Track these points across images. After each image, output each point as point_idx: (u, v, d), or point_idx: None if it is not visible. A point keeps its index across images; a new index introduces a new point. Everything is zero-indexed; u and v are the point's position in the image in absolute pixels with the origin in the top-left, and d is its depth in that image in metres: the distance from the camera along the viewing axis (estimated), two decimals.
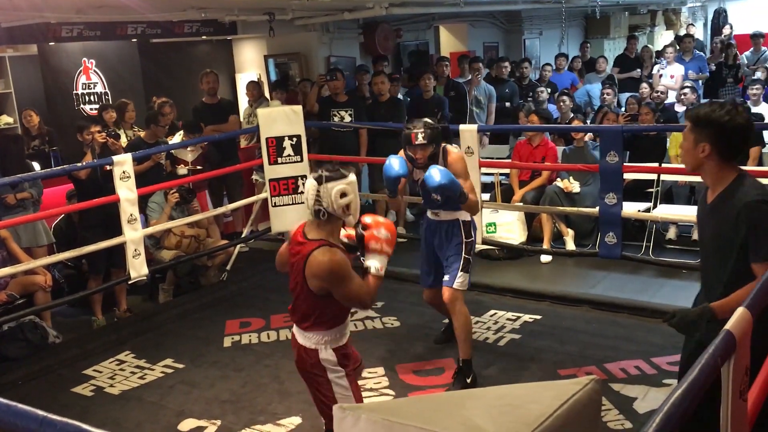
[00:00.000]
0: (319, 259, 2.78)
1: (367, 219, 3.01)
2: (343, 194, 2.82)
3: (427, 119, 4.07)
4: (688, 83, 8.64)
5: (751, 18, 12.91)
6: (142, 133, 6.60)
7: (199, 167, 6.45)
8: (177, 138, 6.82)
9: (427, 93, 7.51)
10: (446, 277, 4.15)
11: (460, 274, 4.11)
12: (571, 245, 6.32)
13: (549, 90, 9.01)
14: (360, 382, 4.25)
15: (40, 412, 1.46)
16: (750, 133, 2.64)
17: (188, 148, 6.42)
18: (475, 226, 4.28)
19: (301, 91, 7.85)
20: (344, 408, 1.26)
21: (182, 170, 6.24)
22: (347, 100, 7.12)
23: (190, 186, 6.10)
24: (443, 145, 4.10)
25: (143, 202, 5.81)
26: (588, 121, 8.10)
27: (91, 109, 8.36)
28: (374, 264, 2.93)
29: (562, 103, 7.93)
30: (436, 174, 3.84)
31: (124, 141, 6.40)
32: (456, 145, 4.23)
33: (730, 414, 1.87)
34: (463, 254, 4.12)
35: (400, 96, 7.83)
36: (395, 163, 4.02)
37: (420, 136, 3.97)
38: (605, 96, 8.47)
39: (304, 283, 2.87)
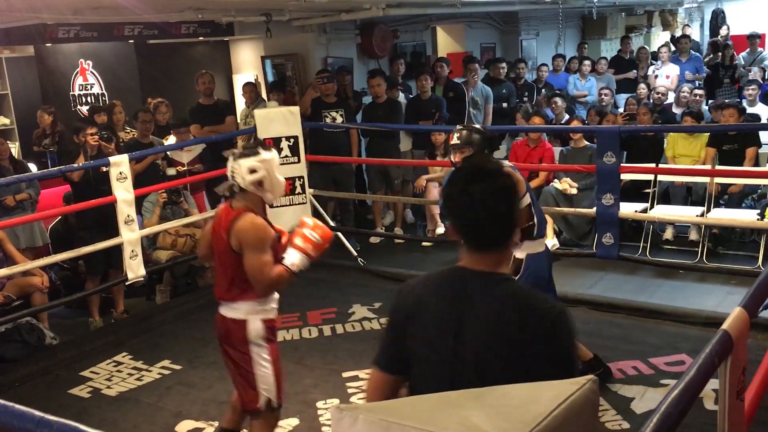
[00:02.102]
0: (242, 220, 2.90)
1: (307, 220, 3.07)
2: (252, 170, 2.92)
3: (473, 124, 3.95)
4: (687, 85, 8.66)
5: (749, 19, 12.93)
6: (135, 134, 6.63)
7: (195, 166, 6.45)
8: (172, 139, 6.81)
9: (425, 94, 7.51)
10: None
11: None
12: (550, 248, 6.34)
13: (544, 90, 9.03)
14: (357, 384, 4.27)
15: (37, 413, 1.46)
16: None
17: (183, 149, 6.41)
18: (536, 265, 3.72)
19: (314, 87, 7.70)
20: (342, 408, 1.26)
21: (171, 171, 6.25)
22: (337, 101, 7.14)
23: (179, 187, 6.10)
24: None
25: (140, 203, 5.81)
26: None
27: (87, 110, 8.35)
28: (291, 258, 2.93)
29: (554, 105, 7.95)
30: None
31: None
32: (507, 164, 3.72)
33: (728, 414, 1.87)
34: None
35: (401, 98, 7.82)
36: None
37: (455, 136, 3.83)
38: (603, 97, 8.49)
39: (229, 248, 2.94)
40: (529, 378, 1.50)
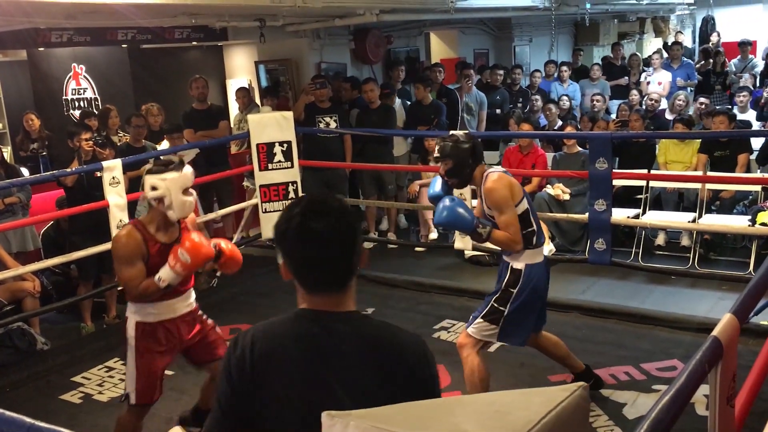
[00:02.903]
0: (116, 234, 3.25)
1: (191, 237, 3.14)
2: (153, 187, 3.10)
3: (455, 132, 3.79)
4: (683, 93, 8.70)
5: (739, 26, 13.02)
6: (128, 138, 6.62)
7: None
8: (165, 144, 6.80)
9: (425, 99, 7.52)
10: (470, 318, 3.74)
11: (479, 320, 3.62)
12: (546, 253, 6.34)
13: (538, 97, 9.06)
14: None
15: (28, 419, 1.45)
16: None
17: (176, 154, 6.40)
18: (536, 277, 3.58)
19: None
20: (333, 414, 1.26)
21: None
22: (330, 107, 7.15)
23: None
24: (487, 169, 3.59)
25: (133, 207, 5.79)
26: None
27: (80, 114, 8.34)
28: (161, 273, 3.10)
29: (548, 111, 7.98)
30: (440, 207, 3.50)
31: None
32: (498, 169, 3.62)
33: (718, 420, 1.88)
34: (493, 302, 3.61)
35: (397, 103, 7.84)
36: (435, 184, 3.75)
37: (437, 148, 3.67)
38: (595, 103, 8.53)
39: None
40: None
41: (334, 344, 1.61)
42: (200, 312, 3.54)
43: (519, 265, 3.57)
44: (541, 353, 4.69)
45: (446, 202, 3.52)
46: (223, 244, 3.38)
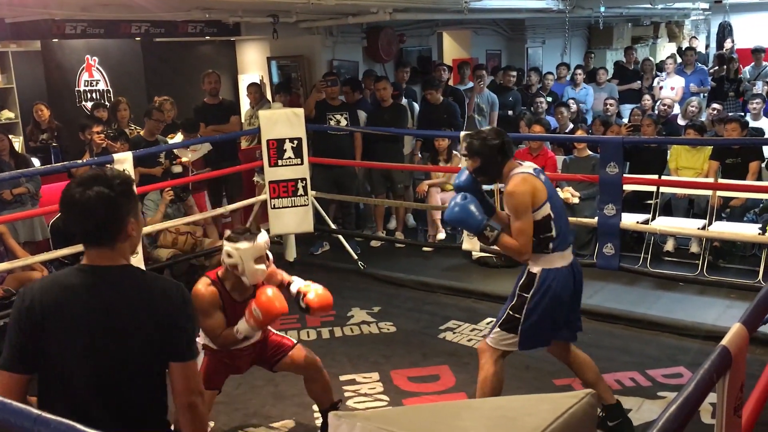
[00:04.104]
0: (194, 286, 3.34)
1: (266, 291, 3.26)
2: (228, 255, 3.29)
3: (483, 129, 3.60)
4: (696, 99, 8.66)
5: (754, 32, 12.93)
6: (141, 131, 6.63)
7: (196, 171, 6.45)
8: (178, 138, 6.82)
9: (436, 101, 7.51)
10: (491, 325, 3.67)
11: (497, 329, 3.51)
12: None
13: (550, 99, 9.03)
14: (354, 387, 4.27)
15: (35, 411, 1.46)
16: None
17: (189, 148, 6.42)
18: (556, 282, 3.41)
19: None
20: (339, 415, 1.27)
21: (177, 168, 6.23)
22: (341, 104, 7.15)
23: (187, 184, 6.10)
24: (517, 167, 3.44)
25: (141, 200, 5.82)
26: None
27: (91, 106, 8.37)
28: (239, 325, 3.28)
29: (560, 115, 7.96)
30: (452, 204, 3.45)
31: None
32: (526, 169, 3.44)
33: (725, 430, 1.87)
34: (509, 309, 3.49)
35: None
36: (462, 174, 3.59)
37: (464, 145, 3.60)
38: (608, 107, 8.50)
39: None
40: (166, 344, 2.01)
41: (108, 292, 2.02)
42: (266, 334, 3.61)
43: (535, 269, 3.45)
44: (547, 355, 4.68)
45: (459, 198, 3.43)
46: (311, 293, 3.43)
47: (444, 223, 6.60)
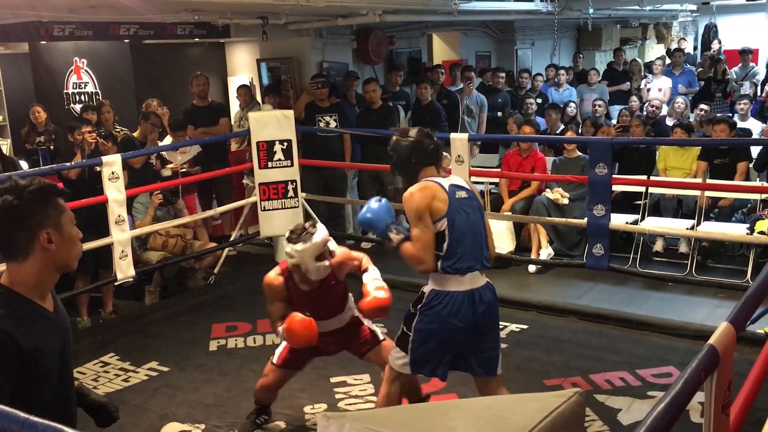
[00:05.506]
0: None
1: (294, 318, 3.39)
2: (290, 256, 3.40)
3: (411, 129, 3.40)
4: (682, 98, 8.72)
5: (741, 34, 13.04)
6: (129, 132, 6.63)
7: (187, 169, 6.43)
8: (168, 140, 6.80)
9: (424, 101, 7.53)
10: None
11: (394, 345, 3.35)
12: (543, 257, 6.35)
13: (539, 101, 9.05)
14: (345, 389, 4.27)
15: (22, 414, 1.45)
16: None
17: (178, 150, 6.41)
18: (445, 307, 3.15)
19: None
20: (328, 416, 1.27)
21: (166, 172, 6.22)
22: (330, 106, 7.16)
23: (177, 187, 6.09)
24: (432, 177, 3.25)
25: (130, 203, 5.79)
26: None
27: (80, 108, 8.33)
28: (279, 328, 3.49)
29: (549, 117, 7.99)
30: (367, 206, 3.32)
31: None
32: (434, 181, 3.22)
33: (713, 428, 1.88)
34: (402, 325, 3.30)
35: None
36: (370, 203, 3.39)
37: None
38: (597, 108, 8.53)
39: None
40: None
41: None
42: (355, 320, 3.76)
43: (426, 287, 3.24)
44: (537, 356, 4.69)
45: (372, 203, 3.31)
46: (369, 297, 3.43)
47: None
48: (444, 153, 7.06)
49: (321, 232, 3.45)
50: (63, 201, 1.98)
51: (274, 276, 3.56)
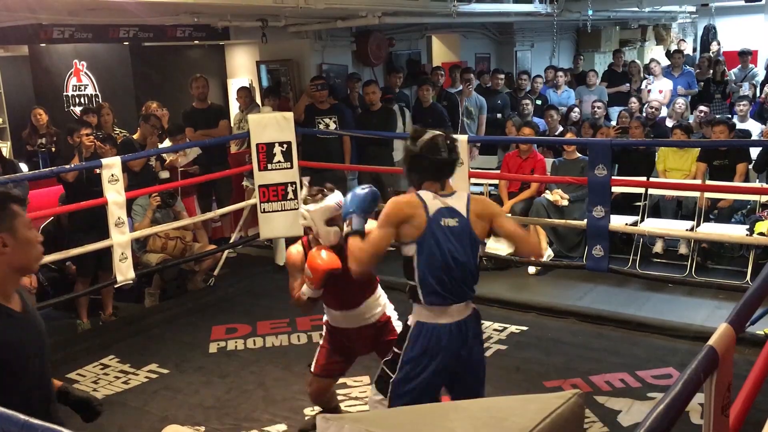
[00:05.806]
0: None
1: (311, 252, 3.31)
2: (303, 217, 3.38)
3: (425, 132, 3.05)
4: (682, 99, 8.72)
5: (740, 35, 13.04)
6: (128, 135, 6.62)
7: (186, 169, 6.44)
8: (167, 143, 6.81)
9: (426, 103, 7.53)
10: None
11: (372, 386, 3.17)
12: (543, 258, 6.34)
13: (539, 102, 9.05)
14: (345, 391, 4.26)
15: (22, 416, 1.45)
16: None
17: (178, 153, 6.41)
18: (431, 342, 2.92)
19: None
20: (328, 418, 1.27)
21: (164, 174, 6.22)
22: (330, 108, 7.16)
23: (175, 190, 6.09)
24: (427, 191, 2.95)
25: (130, 206, 5.79)
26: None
27: (81, 111, 8.33)
28: (303, 287, 3.36)
29: (550, 118, 7.99)
30: (353, 189, 3.16)
31: None
32: (422, 199, 2.91)
33: (712, 429, 1.88)
34: (383, 363, 3.10)
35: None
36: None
37: None
38: (596, 110, 8.54)
39: None
40: None
41: None
42: (385, 320, 3.64)
43: (410, 320, 2.99)
44: (537, 357, 4.69)
45: (357, 189, 3.10)
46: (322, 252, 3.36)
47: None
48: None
49: (335, 196, 3.34)
50: (18, 206, 2.06)
51: (295, 250, 3.50)
